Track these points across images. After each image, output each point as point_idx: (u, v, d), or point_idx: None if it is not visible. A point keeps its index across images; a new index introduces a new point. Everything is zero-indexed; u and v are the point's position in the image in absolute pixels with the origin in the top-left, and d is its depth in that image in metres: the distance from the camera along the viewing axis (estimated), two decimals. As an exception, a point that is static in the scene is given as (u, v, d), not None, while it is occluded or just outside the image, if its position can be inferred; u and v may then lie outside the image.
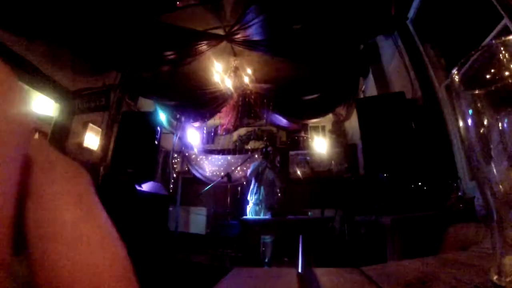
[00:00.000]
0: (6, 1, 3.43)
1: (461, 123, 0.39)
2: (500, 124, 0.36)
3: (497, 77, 0.35)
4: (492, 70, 0.36)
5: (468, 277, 0.42)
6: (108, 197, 4.46)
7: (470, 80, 0.38)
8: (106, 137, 5.38)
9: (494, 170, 0.36)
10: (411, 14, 4.10)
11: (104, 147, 5.31)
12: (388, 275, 0.48)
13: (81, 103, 4.92)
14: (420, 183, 3.34)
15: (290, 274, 0.60)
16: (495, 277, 0.34)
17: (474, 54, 0.38)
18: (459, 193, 2.86)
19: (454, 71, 0.39)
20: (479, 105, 0.37)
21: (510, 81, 0.34)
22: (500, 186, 0.35)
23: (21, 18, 3.67)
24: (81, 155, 4.84)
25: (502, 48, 0.36)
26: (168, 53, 5.08)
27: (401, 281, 0.44)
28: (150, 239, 4.62)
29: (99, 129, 5.31)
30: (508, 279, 0.32)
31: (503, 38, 0.35)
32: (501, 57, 0.35)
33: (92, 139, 5.12)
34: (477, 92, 0.37)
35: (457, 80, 0.39)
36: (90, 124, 5.12)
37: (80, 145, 4.91)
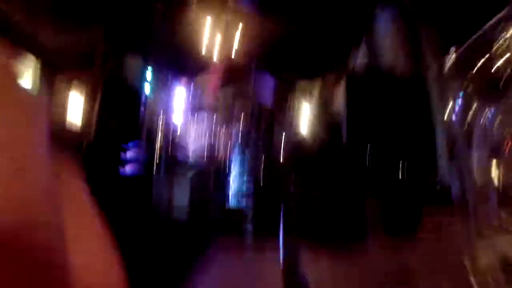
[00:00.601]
0: None
1: (449, 106, 0.39)
2: (485, 114, 0.36)
3: (489, 68, 0.35)
4: (486, 60, 0.35)
5: (443, 258, 0.44)
6: (90, 171, 4.38)
7: (464, 66, 0.38)
8: (90, 97, 5.22)
9: (474, 158, 0.36)
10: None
11: (89, 108, 5.16)
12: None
13: (63, 62, 4.72)
14: (399, 160, 3.42)
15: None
16: (467, 261, 0.35)
17: (471, 41, 0.38)
18: (437, 176, 2.95)
19: (451, 53, 0.38)
20: (468, 91, 0.37)
21: (501, 72, 0.34)
22: (478, 174, 0.36)
23: None
24: (64, 118, 4.69)
25: (498, 40, 0.35)
26: (156, 4, 4.87)
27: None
28: (132, 212, 4.62)
29: (83, 89, 5.13)
30: (481, 265, 0.34)
31: (502, 34, 0.35)
32: (496, 49, 0.35)
33: (75, 100, 4.97)
34: (469, 77, 0.37)
35: (452, 63, 0.38)
36: (73, 84, 4.94)
37: (63, 107, 4.75)
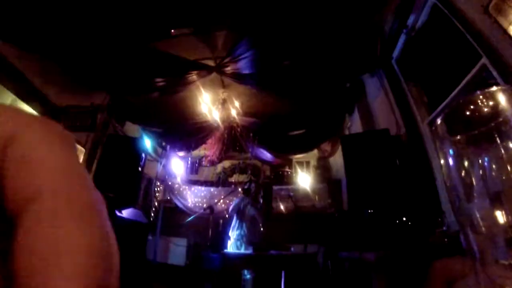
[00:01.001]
0: (2, 10, 3.44)
1: (443, 163, 0.40)
2: (480, 163, 0.37)
3: (476, 124, 0.37)
4: (473, 118, 0.38)
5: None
6: None
7: (452, 125, 0.40)
8: (89, 158, 5.26)
9: (476, 209, 0.37)
10: (395, 53, 4.30)
11: (86, 168, 5.17)
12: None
13: (67, 120, 4.83)
14: (404, 219, 3.36)
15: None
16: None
17: (456, 102, 0.40)
18: (444, 228, 2.88)
19: (438, 120, 0.41)
20: (460, 147, 0.38)
21: (488, 127, 0.36)
22: (482, 224, 0.36)
23: (16, 28, 3.68)
24: None
25: (481, 98, 0.38)
26: (158, 79, 5.12)
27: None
28: (127, 268, 4.43)
29: (83, 149, 5.19)
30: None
31: (483, 91, 0.38)
32: (480, 107, 0.37)
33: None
34: (458, 137, 0.38)
35: (440, 126, 0.40)
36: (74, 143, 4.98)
37: None
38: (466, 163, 0.39)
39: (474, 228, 0.37)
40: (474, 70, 2.79)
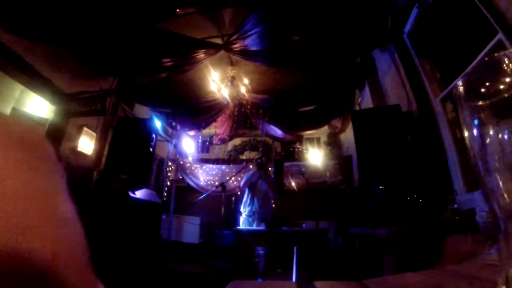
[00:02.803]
0: (7, 2, 3.42)
1: (466, 134, 0.39)
2: (502, 135, 0.35)
3: (500, 88, 0.35)
4: (496, 82, 0.36)
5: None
6: (100, 202, 4.44)
7: (474, 91, 0.38)
8: (100, 141, 5.34)
9: (499, 181, 0.35)
10: (407, 28, 4.16)
11: (98, 151, 5.27)
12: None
13: (77, 106, 4.87)
14: (415, 195, 3.34)
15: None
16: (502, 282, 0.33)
17: (478, 65, 0.38)
18: (455, 205, 2.87)
19: (459, 82, 0.39)
20: (483, 115, 0.36)
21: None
22: (506, 197, 0.34)
23: (22, 19, 3.67)
24: (74, 159, 4.79)
25: (505, 60, 0.35)
26: (165, 60, 5.09)
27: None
28: (142, 247, 4.56)
29: (94, 134, 5.26)
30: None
31: (506, 51, 0.35)
32: (505, 69, 0.35)
33: (86, 143, 5.07)
34: (481, 103, 0.37)
35: (462, 91, 0.38)
36: (85, 128, 5.07)
37: (74, 149, 4.86)
38: (489, 131, 0.37)
39: (498, 201, 0.36)
40: (489, 46, 2.68)
